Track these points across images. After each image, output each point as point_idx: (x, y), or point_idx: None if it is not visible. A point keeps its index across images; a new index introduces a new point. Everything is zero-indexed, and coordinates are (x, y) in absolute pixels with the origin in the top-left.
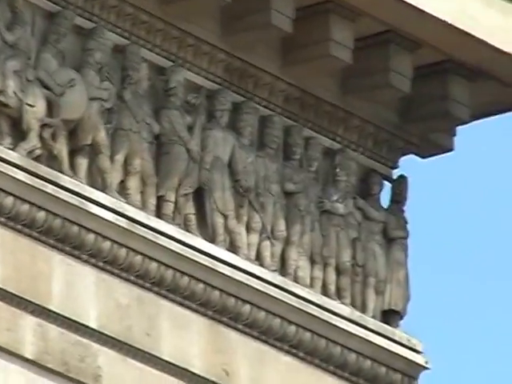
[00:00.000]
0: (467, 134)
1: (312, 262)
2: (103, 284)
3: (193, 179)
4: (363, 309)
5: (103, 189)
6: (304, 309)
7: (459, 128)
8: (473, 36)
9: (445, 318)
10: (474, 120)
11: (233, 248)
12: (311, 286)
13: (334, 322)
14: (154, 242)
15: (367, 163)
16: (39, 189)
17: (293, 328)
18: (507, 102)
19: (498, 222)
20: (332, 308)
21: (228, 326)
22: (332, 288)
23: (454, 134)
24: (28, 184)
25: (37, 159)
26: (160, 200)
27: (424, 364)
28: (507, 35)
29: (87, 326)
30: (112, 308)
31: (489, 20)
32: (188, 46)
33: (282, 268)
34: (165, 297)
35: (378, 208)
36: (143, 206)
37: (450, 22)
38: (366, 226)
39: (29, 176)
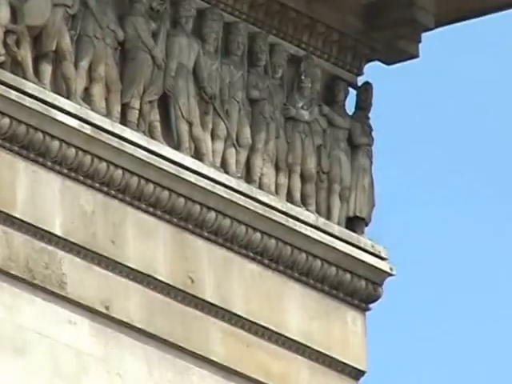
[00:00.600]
0: (432, 41)
1: (277, 168)
2: (68, 191)
3: (157, 86)
4: (328, 215)
5: (68, 95)
6: (269, 215)
7: (424, 35)
8: None
9: (410, 225)
10: (439, 27)
11: (198, 155)
12: (276, 192)
13: (298, 229)
14: (119, 149)
15: (332, 70)
16: (3, 95)
17: (258, 235)
18: (472, 9)
19: (459, 128)
20: (297, 215)
21: (193, 233)
22: (297, 195)
23: (420, 41)
24: None
25: (1, 66)
26: (125, 107)
27: (389, 270)
28: None
29: (52, 233)
30: (77, 215)
31: None
32: None
33: (247, 175)
34: (130, 204)
35: (343, 115)
36: (108, 113)
37: None
38: (331, 133)
39: None
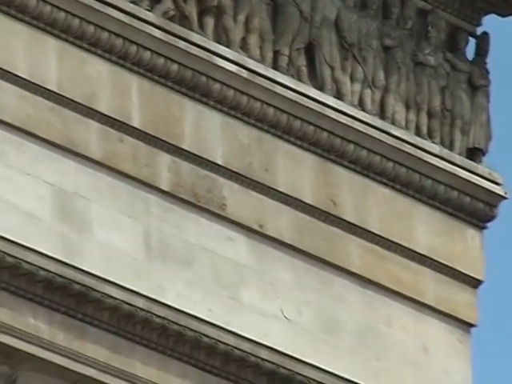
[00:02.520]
0: None
1: (407, 106)
2: (228, 126)
3: (304, 36)
4: (451, 147)
5: (227, 44)
6: (400, 147)
7: None
8: None
9: None
10: None
11: (339, 95)
12: (406, 127)
13: (425, 159)
14: (271, 91)
15: (455, 22)
16: (172, 44)
17: (390, 164)
18: None
19: None
20: (424, 146)
21: (335, 162)
22: (424, 129)
23: None
24: (163, 40)
25: (171, 19)
26: (276, 54)
27: (503, 194)
28: None
29: (214, 163)
30: (235, 147)
31: None
32: None
33: (381, 112)
34: (280, 137)
35: (463, 60)
36: (262, 59)
37: None
38: (454, 76)
39: (164, 34)
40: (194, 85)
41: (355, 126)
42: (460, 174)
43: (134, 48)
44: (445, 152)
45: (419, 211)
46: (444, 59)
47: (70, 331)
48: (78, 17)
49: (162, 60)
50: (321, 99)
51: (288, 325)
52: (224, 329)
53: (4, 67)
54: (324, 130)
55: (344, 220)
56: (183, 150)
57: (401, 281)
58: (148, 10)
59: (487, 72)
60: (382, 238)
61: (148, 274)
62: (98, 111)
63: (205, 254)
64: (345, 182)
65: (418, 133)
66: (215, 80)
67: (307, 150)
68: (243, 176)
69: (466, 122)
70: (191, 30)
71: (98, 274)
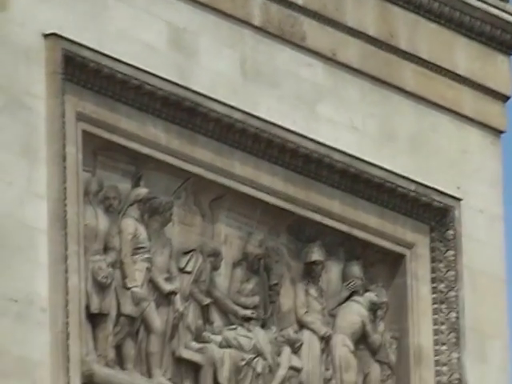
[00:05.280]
0: None
1: None
2: None
3: None
4: None
5: None
6: None
7: None
8: None
9: None
10: None
11: None
12: None
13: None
14: None
15: None
16: None
17: (436, 4)
18: None
19: None
20: None
21: (392, 2)
22: None
23: None
24: None
25: None
26: None
27: None
28: None
29: (296, 4)
30: None
31: None
32: None
33: None
34: None
35: None
36: None
37: None
38: None
39: None
40: None
41: None
42: (492, 11)
43: None
44: None
45: (459, 41)
46: None
47: (182, 138)
48: None
49: None
50: None
51: (355, 133)
52: (305, 136)
53: None
54: None
55: (400, 49)
56: None
57: (445, 97)
58: None
59: None
60: (431, 62)
61: (244, 92)
62: None
63: (290, 76)
64: (400, 19)
65: None
66: None
67: None
68: (319, 14)
69: None
70: None
71: (204, 92)
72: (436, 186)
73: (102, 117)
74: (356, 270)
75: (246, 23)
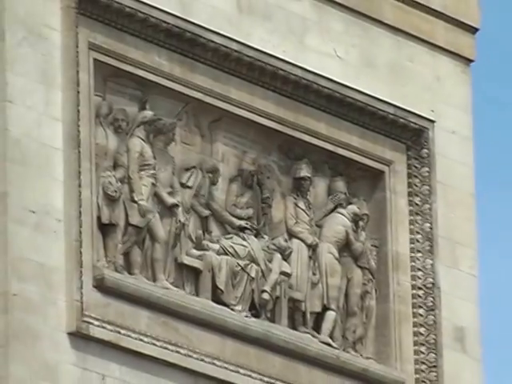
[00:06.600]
0: None
1: None
2: None
3: None
4: None
5: None
6: None
7: None
8: None
9: None
10: None
11: None
12: None
13: None
14: None
15: None
16: None
17: None
18: None
19: None
20: None
21: None
22: None
23: None
24: None
25: None
26: None
27: None
28: None
29: None
30: None
31: None
32: None
33: None
34: None
35: None
36: None
37: None
38: None
39: None
40: None
41: None
42: None
43: None
44: None
45: None
46: None
47: (184, 66)
48: None
49: None
50: None
51: (339, 61)
52: (294, 64)
53: None
54: None
55: None
56: None
57: (420, 29)
58: None
59: None
60: None
61: (239, 25)
62: None
63: (280, 10)
64: None
65: None
66: None
67: None
68: None
69: None
70: None
71: (203, 25)
72: (412, 109)
73: (112, 47)
74: (340, 185)
75: None
